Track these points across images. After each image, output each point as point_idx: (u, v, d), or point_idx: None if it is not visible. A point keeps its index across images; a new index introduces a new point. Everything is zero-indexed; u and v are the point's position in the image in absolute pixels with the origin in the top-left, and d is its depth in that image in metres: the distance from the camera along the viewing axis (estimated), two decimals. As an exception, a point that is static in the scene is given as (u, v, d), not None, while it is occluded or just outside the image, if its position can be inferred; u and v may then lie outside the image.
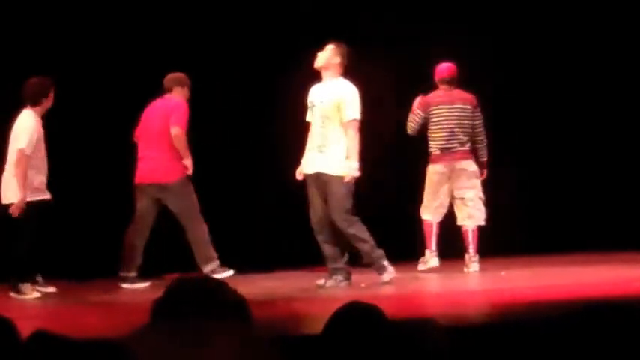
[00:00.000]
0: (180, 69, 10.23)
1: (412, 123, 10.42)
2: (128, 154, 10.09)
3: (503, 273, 9.94)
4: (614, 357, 2.15)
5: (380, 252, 9.21)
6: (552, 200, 11.93)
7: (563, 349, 2.20)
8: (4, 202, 9.24)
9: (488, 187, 10.59)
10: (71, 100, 9.99)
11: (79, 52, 10.96)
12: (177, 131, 9.65)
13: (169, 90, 9.94)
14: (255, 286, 9.00)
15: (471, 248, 10.37)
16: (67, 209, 10.29)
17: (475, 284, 9.87)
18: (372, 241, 9.17)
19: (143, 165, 9.80)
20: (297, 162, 9.39)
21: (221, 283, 2.54)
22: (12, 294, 9.09)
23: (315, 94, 9.32)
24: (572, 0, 11.94)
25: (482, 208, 10.44)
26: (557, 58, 11.86)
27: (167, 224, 9.91)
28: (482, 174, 10.48)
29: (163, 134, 9.71)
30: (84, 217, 10.80)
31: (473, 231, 10.40)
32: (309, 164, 9.27)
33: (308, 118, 9.34)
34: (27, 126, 9.21)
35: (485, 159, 10.50)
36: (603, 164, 11.82)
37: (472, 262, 10.33)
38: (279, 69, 10.49)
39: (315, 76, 9.43)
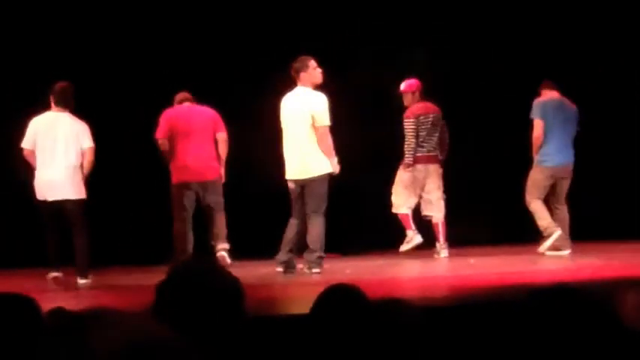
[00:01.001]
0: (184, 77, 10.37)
1: (411, 134, 10.44)
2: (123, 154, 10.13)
3: (472, 260, 9.96)
4: (564, 334, 2.16)
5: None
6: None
7: (520, 328, 2.21)
8: (78, 197, 9.13)
9: (465, 183, 10.70)
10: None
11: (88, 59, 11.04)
12: (226, 137, 9.85)
13: (193, 100, 9.97)
14: (253, 272, 9.00)
15: (441, 238, 10.52)
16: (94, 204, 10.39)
17: (446, 270, 9.87)
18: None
19: (194, 164, 9.70)
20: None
21: (217, 266, 2.56)
22: (81, 281, 8.99)
23: None
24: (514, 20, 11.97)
25: (443, 205, 10.56)
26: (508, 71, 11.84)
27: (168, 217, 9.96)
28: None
29: (210, 138, 9.79)
30: (103, 211, 10.84)
31: (442, 223, 10.52)
32: None
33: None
34: (87, 127, 9.23)
35: (444, 157, 10.65)
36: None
37: (442, 250, 10.51)
38: (276, 79, 10.48)
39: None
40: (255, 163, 10.95)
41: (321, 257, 9.20)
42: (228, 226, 10.00)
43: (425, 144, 10.47)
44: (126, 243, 10.89)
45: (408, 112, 10.46)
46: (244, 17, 11.59)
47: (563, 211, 10.17)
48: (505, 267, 9.47)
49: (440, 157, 10.59)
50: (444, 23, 11.79)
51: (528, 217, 10.28)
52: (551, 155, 10.04)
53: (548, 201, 10.22)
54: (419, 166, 10.48)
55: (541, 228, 10.08)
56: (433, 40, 11.70)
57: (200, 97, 10.08)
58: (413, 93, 10.52)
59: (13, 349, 2.31)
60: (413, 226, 10.53)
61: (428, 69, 11.05)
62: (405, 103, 10.54)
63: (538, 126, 10.03)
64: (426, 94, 10.63)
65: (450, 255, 10.47)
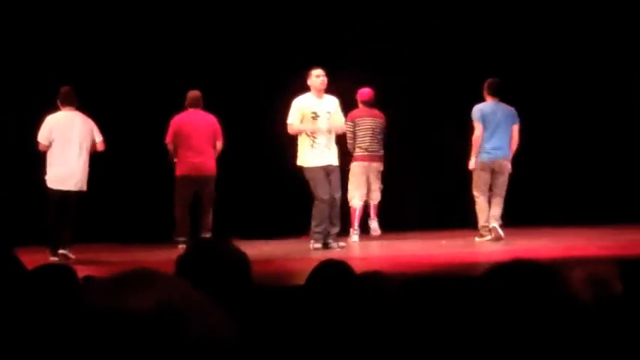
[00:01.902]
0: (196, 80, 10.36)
1: (348, 134, 10.42)
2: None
3: (443, 242, 9.96)
4: (521, 302, 2.17)
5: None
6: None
7: (482, 298, 2.21)
8: (84, 188, 9.17)
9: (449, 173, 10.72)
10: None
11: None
12: (221, 144, 9.95)
13: (201, 106, 9.97)
14: (256, 249, 9.00)
15: (373, 213, 10.73)
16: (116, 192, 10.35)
17: (420, 249, 9.87)
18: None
19: (196, 161, 9.82)
20: (289, 153, 9.48)
21: (229, 243, 2.57)
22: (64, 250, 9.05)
23: (319, 106, 9.31)
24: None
25: (379, 194, 10.68)
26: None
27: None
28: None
29: (209, 141, 9.87)
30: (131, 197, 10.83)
31: (375, 206, 10.71)
32: (322, 157, 9.29)
33: (309, 124, 9.33)
34: (94, 123, 9.28)
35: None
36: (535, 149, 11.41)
37: (372, 221, 10.76)
38: (277, 85, 10.46)
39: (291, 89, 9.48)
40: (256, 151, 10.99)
41: (315, 232, 9.30)
42: (239, 211, 10.04)
43: (362, 145, 10.45)
44: (138, 225, 10.88)
45: (347, 116, 10.42)
46: (261, 20, 11.49)
47: (500, 202, 10.00)
48: (470, 247, 9.48)
49: (380, 157, 10.60)
50: (443, 23, 11.68)
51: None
52: (487, 151, 9.99)
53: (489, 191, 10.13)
54: (364, 163, 10.46)
55: (479, 224, 10.02)
56: (429, 40, 11.62)
57: (210, 95, 10.07)
58: (359, 101, 10.54)
59: (56, 307, 2.32)
60: (356, 225, 10.40)
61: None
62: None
63: (478, 128, 9.97)
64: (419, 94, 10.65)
65: (425, 237, 10.46)
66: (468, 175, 10.16)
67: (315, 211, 9.30)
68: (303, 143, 9.37)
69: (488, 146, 9.99)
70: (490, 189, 10.07)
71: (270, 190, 11.18)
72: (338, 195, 9.37)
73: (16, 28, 10.89)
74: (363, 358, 2.39)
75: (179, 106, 10.08)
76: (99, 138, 9.25)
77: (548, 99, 11.54)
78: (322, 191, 9.25)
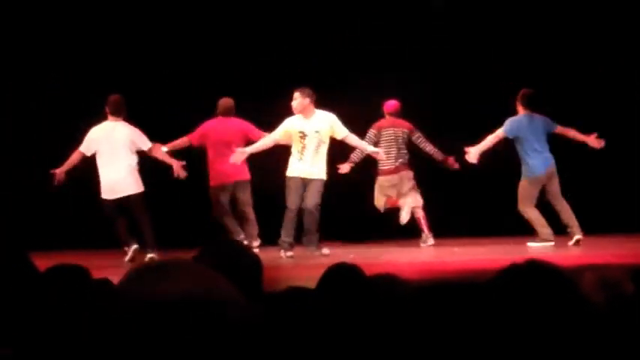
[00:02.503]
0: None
1: (367, 140, 10.37)
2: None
3: (455, 249, 9.97)
4: (535, 303, 2.19)
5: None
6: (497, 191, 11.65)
7: (495, 300, 2.24)
8: (138, 190, 9.41)
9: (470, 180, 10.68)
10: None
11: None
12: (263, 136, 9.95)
13: (233, 113, 10.07)
14: (268, 256, 9.03)
15: (425, 227, 10.59)
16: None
17: (430, 256, 9.89)
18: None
19: (227, 168, 9.85)
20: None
21: (243, 245, 2.62)
22: (150, 255, 9.27)
23: (306, 126, 9.45)
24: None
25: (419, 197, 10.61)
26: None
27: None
28: (448, 163, 10.55)
29: (241, 145, 9.86)
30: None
31: (419, 216, 10.60)
32: (305, 171, 9.48)
33: (300, 142, 9.47)
34: (140, 132, 9.46)
35: (440, 157, 10.61)
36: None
37: (423, 234, 10.52)
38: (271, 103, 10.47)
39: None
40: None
41: (283, 241, 9.52)
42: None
43: (392, 156, 10.46)
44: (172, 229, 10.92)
45: (373, 125, 10.51)
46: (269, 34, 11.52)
47: (563, 205, 9.98)
48: (482, 255, 9.47)
49: (407, 165, 10.59)
50: (444, 23, 11.67)
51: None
52: (534, 166, 9.94)
53: (548, 202, 10.05)
54: (388, 177, 10.54)
55: (542, 235, 9.93)
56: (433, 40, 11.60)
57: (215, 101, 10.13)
58: (386, 112, 10.59)
59: (69, 308, 2.36)
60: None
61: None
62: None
63: (499, 135, 9.93)
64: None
65: (436, 244, 10.47)
66: (477, 181, 10.14)
67: (285, 220, 9.55)
68: (293, 155, 9.57)
69: (532, 161, 9.92)
70: (548, 195, 9.99)
71: (275, 197, 11.18)
72: (309, 206, 9.42)
73: (15, 27, 10.96)
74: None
75: (185, 111, 10.15)
76: (147, 145, 9.42)
77: (549, 99, 11.51)
78: (290, 201, 9.51)
